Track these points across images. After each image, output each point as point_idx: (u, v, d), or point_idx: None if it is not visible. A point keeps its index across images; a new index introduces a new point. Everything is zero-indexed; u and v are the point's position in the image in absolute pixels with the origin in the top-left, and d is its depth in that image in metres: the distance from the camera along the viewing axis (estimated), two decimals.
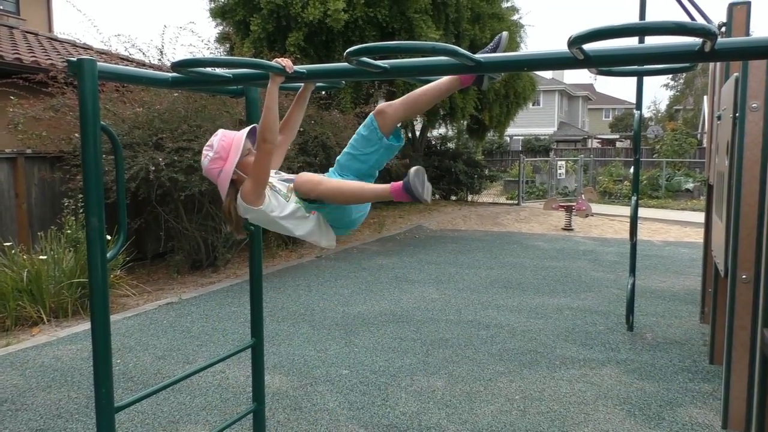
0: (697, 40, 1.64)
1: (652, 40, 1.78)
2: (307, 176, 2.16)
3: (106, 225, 2.13)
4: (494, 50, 2.02)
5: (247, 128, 2.28)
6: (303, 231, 2.28)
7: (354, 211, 2.30)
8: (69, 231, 6.30)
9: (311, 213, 2.27)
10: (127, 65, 9.44)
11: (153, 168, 6.41)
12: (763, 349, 2.23)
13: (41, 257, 5.73)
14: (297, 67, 2.20)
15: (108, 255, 2.18)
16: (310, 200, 2.19)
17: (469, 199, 17.58)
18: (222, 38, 11.76)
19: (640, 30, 1.58)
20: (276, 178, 2.31)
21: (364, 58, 1.97)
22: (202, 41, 12.06)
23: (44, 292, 5.58)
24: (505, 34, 1.99)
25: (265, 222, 2.28)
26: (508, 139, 30.83)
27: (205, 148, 2.24)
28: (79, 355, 4.66)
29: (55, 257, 5.85)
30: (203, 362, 3.93)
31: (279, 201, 2.23)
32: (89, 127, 2.04)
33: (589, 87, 48.98)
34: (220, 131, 2.28)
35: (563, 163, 19.30)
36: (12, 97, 7.22)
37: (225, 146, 2.19)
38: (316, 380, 4.15)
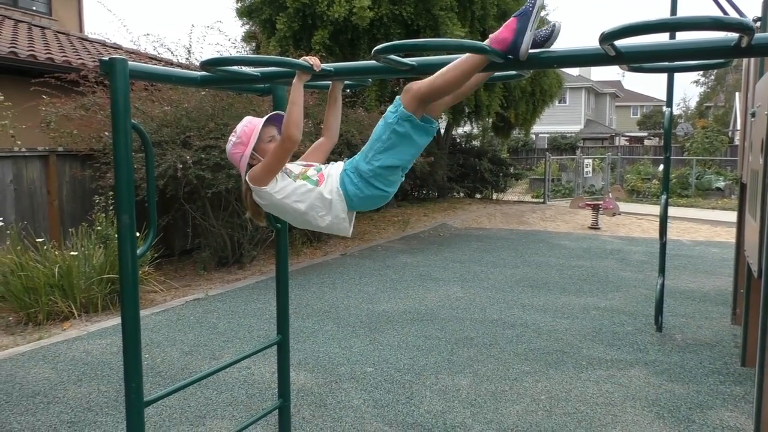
0: (733, 36, 1.60)
1: (683, 35, 1.74)
2: (408, 92, 2.05)
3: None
4: (547, 39, 1.89)
5: (269, 114, 2.32)
6: (305, 205, 2.22)
7: (385, 184, 2.17)
8: (99, 228, 6.41)
9: (318, 185, 2.21)
10: (155, 64, 9.58)
11: (181, 166, 6.49)
12: None
13: (72, 253, 5.84)
14: (324, 65, 2.21)
15: (138, 252, 2.21)
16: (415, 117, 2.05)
17: (494, 197, 17.47)
18: (248, 37, 11.85)
19: (675, 25, 1.55)
20: (296, 162, 2.34)
21: (392, 56, 1.97)
22: (229, 40, 12.20)
23: (75, 287, 5.69)
24: (559, 23, 1.87)
25: (274, 207, 2.27)
26: (533, 136, 30.51)
27: (231, 134, 2.30)
28: (109, 350, 4.75)
29: (86, 253, 5.97)
30: (229, 358, 3.97)
31: (285, 181, 2.23)
32: (120, 125, 2.08)
33: (617, 84, 48.29)
34: (246, 118, 2.33)
35: (590, 161, 19.04)
36: (44, 96, 7.38)
37: (247, 132, 2.25)
38: (340, 377, 4.17)
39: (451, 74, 1.97)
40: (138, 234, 6.10)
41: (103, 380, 4.16)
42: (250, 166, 2.25)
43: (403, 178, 2.30)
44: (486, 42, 1.88)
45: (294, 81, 2.17)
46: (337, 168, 2.26)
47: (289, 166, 2.28)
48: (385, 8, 9.89)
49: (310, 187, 2.21)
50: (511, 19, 1.85)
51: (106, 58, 2.07)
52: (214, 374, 3.08)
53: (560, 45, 1.91)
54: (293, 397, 3.72)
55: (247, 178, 2.23)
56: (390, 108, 2.13)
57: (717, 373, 4.21)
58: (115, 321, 5.44)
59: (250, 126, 2.26)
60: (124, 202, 2.12)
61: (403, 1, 9.96)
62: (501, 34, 1.85)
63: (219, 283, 7.13)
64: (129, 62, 2.12)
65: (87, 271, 5.84)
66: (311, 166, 2.32)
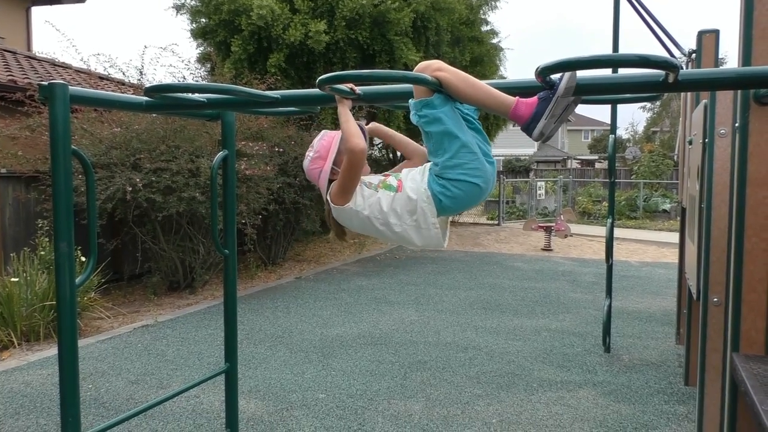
0: (662, 72, 1.68)
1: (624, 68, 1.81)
2: (426, 70, 1.89)
3: (80, 247, 2.11)
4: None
5: None
6: (390, 216, 2.03)
7: (483, 173, 1.95)
8: (42, 252, 6.19)
9: (398, 191, 2.03)
10: (106, 84, 9.40)
11: (130, 189, 6.36)
12: (732, 374, 2.25)
13: (13, 279, 5.62)
14: (270, 93, 2.22)
15: (77, 281, 2.15)
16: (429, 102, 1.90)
17: (451, 219, 17.64)
18: (203, 58, 11.76)
19: (605, 62, 1.62)
20: (377, 174, 2.20)
21: (337, 86, 2.00)
22: (183, 62, 12.05)
23: (15, 315, 5.47)
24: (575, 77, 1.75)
25: (359, 225, 2.11)
26: None
27: (308, 150, 2.18)
28: (50, 380, 4.56)
29: (28, 279, 5.74)
30: (177, 387, 3.87)
31: (365, 193, 2.07)
32: (59, 152, 2.03)
33: None
34: (323, 132, 2.21)
35: (543, 183, 19.49)
36: None
37: (325, 144, 2.14)
38: (292, 405, 4.11)
39: (480, 92, 1.86)
40: (84, 259, 5.93)
41: (43, 413, 3.98)
42: (330, 182, 2.12)
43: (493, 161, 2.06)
44: (513, 104, 1.80)
45: (338, 107, 2.07)
46: (416, 172, 2.09)
47: (368, 178, 2.14)
48: (341, 33, 9.98)
49: (392, 195, 2.05)
50: (534, 98, 1.79)
51: (45, 83, 2.03)
52: (160, 404, 2.99)
53: (510, 71, 1.93)
54: (243, 426, 3.64)
55: (328, 198, 2.10)
56: (410, 105, 1.99)
57: (662, 393, 4.32)
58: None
59: (327, 138, 2.15)
60: (62, 229, 2.06)
61: (359, 26, 10.07)
62: (522, 109, 1.79)
63: (169, 308, 6.96)
64: (70, 87, 2.09)
65: (29, 298, 5.62)
66: (388, 176, 2.15)
